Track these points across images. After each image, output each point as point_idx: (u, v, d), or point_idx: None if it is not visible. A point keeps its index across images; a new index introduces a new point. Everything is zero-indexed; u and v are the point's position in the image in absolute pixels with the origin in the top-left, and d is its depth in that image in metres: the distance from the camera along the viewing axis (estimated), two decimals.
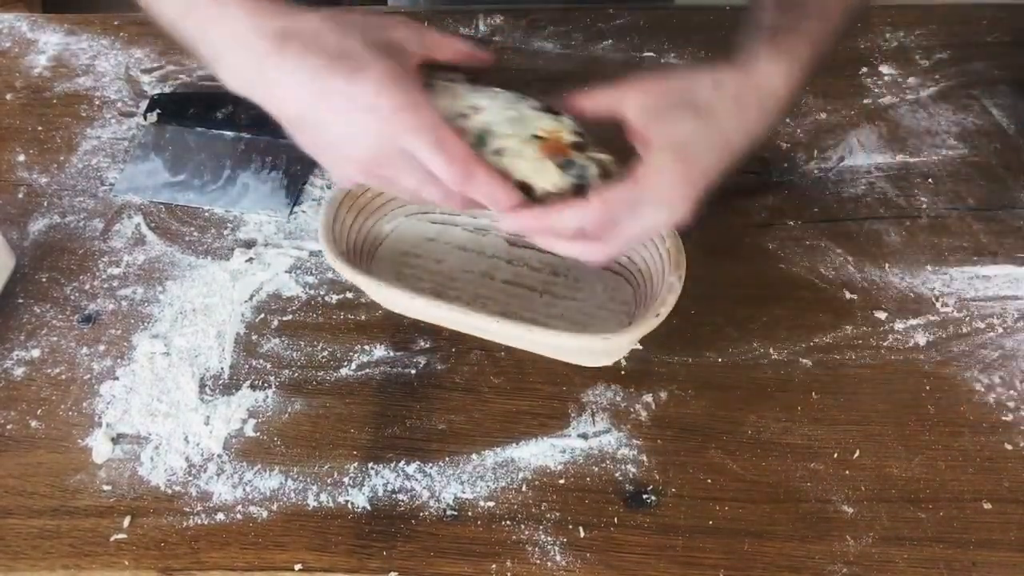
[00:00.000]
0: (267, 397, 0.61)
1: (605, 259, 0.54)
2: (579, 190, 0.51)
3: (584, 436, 0.58)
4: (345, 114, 0.49)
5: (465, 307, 0.57)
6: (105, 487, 0.56)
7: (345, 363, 0.62)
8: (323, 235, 0.60)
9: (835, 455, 0.57)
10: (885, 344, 0.63)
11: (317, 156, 0.54)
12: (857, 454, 0.57)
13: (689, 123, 0.51)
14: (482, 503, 0.55)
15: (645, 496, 0.55)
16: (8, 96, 0.82)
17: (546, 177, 0.51)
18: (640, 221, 0.51)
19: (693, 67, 0.61)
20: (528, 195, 0.51)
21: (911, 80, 0.81)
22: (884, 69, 0.82)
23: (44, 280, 0.67)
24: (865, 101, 0.80)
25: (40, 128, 0.79)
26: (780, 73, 0.53)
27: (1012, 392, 0.60)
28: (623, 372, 0.61)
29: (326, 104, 0.49)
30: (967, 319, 0.64)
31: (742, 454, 0.57)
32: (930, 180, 0.73)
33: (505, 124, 0.51)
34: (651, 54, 0.84)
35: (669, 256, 0.57)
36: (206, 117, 0.77)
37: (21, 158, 0.76)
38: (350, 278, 0.60)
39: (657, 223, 0.53)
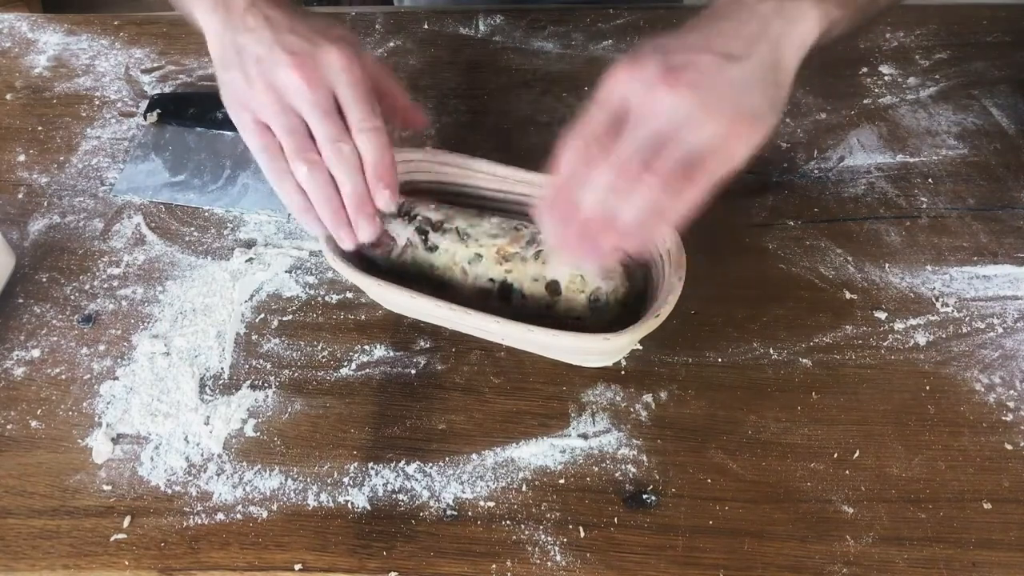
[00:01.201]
0: (267, 397, 0.61)
1: (675, 208, 0.47)
2: None
3: (584, 436, 0.58)
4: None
5: (465, 307, 0.57)
6: (105, 487, 0.56)
7: (345, 363, 0.62)
8: (323, 235, 0.60)
9: (835, 455, 0.57)
10: (885, 344, 0.63)
11: (234, 97, 0.57)
12: (857, 454, 0.57)
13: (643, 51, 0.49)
14: (482, 503, 0.55)
15: (645, 496, 0.55)
16: (8, 96, 0.82)
17: None
18: (684, 139, 0.46)
19: None
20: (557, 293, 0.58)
21: (911, 80, 0.81)
22: (884, 69, 0.82)
23: (44, 280, 0.67)
24: (865, 101, 0.80)
25: (40, 128, 0.79)
26: None
27: (1012, 392, 0.60)
28: (623, 372, 0.61)
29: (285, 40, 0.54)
30: (967, 319, 0.64)
31: (742, 454, 0.57)
32: (930, 180, 0.73)
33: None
34: None
35: (670, 257, 0.57)
36: (206, 117, 0.77)
37: (21, 158, 0.76)
38: (350, 278, 0.60)
39: (693, 127, 0.46)
